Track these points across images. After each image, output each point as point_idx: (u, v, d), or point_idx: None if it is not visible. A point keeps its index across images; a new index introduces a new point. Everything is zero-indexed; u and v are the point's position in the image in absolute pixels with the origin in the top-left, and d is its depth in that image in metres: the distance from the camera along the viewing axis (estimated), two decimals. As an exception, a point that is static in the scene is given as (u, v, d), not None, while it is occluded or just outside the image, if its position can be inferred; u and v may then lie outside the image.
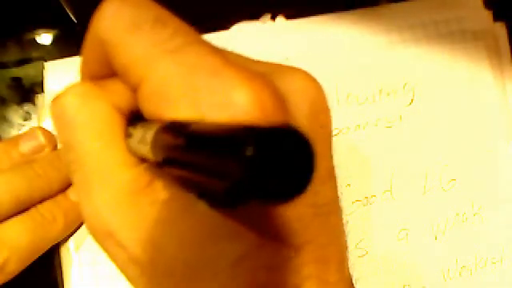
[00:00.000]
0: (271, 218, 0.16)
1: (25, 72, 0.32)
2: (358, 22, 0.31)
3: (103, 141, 0.18)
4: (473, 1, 0.32)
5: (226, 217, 0.16)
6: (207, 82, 0.15)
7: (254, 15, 0.31)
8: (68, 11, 0.32)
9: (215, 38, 0.33)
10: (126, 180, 0.18)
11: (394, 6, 0.32)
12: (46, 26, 0.32)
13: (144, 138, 0.16)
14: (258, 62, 0.17)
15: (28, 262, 0.26)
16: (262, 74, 0.16)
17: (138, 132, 0.18)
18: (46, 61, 0.30)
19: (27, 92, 0.31)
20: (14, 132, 0.31)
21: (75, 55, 0.30)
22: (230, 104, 0.15)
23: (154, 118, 0.17)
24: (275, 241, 0.16)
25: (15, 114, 0.31)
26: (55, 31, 0.32)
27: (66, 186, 0.28)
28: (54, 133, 0.29)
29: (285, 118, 0.16)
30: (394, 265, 0.29)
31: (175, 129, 0.14)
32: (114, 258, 0.18)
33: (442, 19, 0.32)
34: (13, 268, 0.25)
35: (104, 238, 0.18)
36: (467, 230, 0.30)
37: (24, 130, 0.31)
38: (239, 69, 0.16)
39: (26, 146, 0.28)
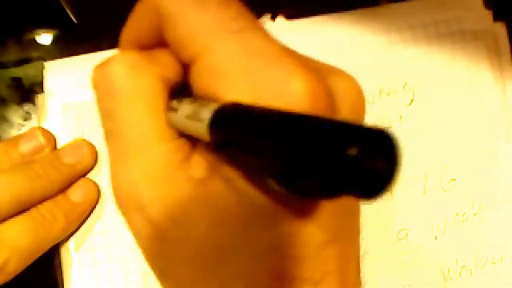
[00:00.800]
0: (304, 212, 0.16)
1: (25, 72, 0.32)
2: (358, 22, 0.31)
3: (146, 112, 0.18)
4: (473, 1, 0.32)
5: (264, 204, 0.16)
6: (267, 68, 0.16)
7: (254, 15, 0.31)
8: (68, 11, 0.32)
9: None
10: (164, 153, 0.18)
11: (393, 6, 0.32)
12: (46, 26, 0.32)
13: (196, 115, 0.16)
14: (309, 58, 0.18)
15: (28, 262, 0.26)
16: (316, 69, 0.16)
17: (185, 107, 0.17)
18: (45, 61, 0.30)
19: (27, 92, 0.31)
20: (14, 132, 0.31)
21: (75, 55, 0.30)
22: (286, 92, 0.15)
23: (205, 94, 0.17)
24: (304, 234, 0.16)
25: (15, 114, 0.31)
26: (55, 31, 0.32)
27: (67, 185, 0.28)
28: (54, 133, 0.29)
29: (332, 113, 0.16)
30: (393, 265, 0.29)
31: (246, 112, 0.14)
32: (137, 231, 0.18)
33: (442, 19, 0.32)
34: (13, 268, 0.25)
35: (132, 210, 0.18)
36: (467, 229, 0.30)
37: (24, 130, 0.31)
38: (297, 60, 0.16)
39: (25, 146, 0.28)
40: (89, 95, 0.30)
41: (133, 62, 0.18)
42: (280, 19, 0.31)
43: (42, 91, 0.30)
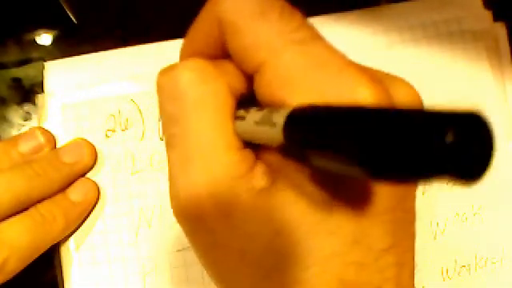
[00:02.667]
0: (368, 218, 0.17)
1: (25, 72, 0.32)
2: (358, 23, 0.31)
3: (214, 120, 0.18)
4: (473, 1, 0.32)
5: (331, 210, 0.16)
6: (333, 77, 0.16)
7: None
8: (68, 11, 0.32)
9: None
10: (229, 163, 0.18)
11: (393, 6, 0.32)
12: (46, 26, 0.32)
13: (267, 120, 0.16)
14: (366, 66, 0.18)
15: (28, 262, 0.26)
16: (377, 77, 0.17)
17: (253, 114, 0.18)
18: (45, 61, 0.30)
19: (27, 92, 0.31)
20: (14, 132, 0.31)
21: (75, 55, 0.30)
22: (352, 99, 0.16)
23: (271, 103, 0.17)
24: (367, 239, 0.17)
25: (15, 114, 0.32)
26: (55, 31, 0.32)
27: (66, 185, 0.28)
28: (54, 133, 0.29)
29: None
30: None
31: (327, 110, 0.14)
32: (196, 239, 0.19)
33: (442, 19, 0.32)
34: (13, 267, 0.25)
35: (192, 218, 0.18)
36: (467, 230, 0.30)
37: (24, 130, 0.31)
38: (360, 69, 0.17)
39: (25, 146, 0.28)
40: (89, 95, 0.30)
41: (202, 69, 0.18)
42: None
43: (42, 91, 0.30)
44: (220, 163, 0.18)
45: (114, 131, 0.30)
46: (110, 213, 0.29)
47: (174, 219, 0.29)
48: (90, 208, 0.28)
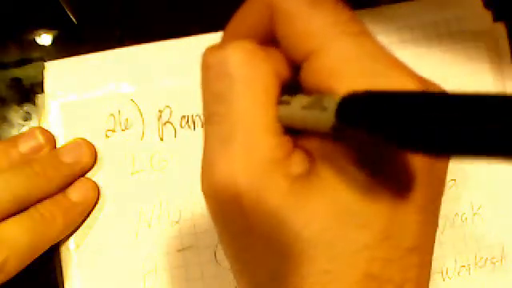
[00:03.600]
0: (399, 216, 0.17)
1: (25, 72, 0.32)
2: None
3: (259, 101, 0.18)
4: (473, 1, 0.32)
5: (360, 204, 0.17)
6: (384, 70, 0.17)
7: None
8: (68, 11, 0.32)
9: (215, 38, 0.33)
10: (269, 146, 0.18)
11: (393, 6, 0.32)
12: (46, 26, 0.32)
13: (317, 104, 0.17)
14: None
15: (27, 262, 0.26)
16: (423, 79, 0.18)
17: (300, 99, 0.18)
18: (45, 61, 0.30)
19: (27, 92, 0.31)
20: (13, 132, 0.31)
21: (75, 55, 0.30)
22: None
23: (319, 91, 0.18)
24: (396, 237, 0.17)
25: (15, 114, 0.32)
26: (55, 31, 0.32)
27: (66, 185, 0.28)
28: (54, 133, 0.29)
29: None
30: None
31: (388, 95, 0.14)
32: (225, 220, 0.18)
33: (442, 19, 0.32)
34: (12, 267, 0.25)
35: (224, 198, 0.18)
36: (467, 229, 0.30)
37: (24, 130, 0.31)
38: (407, 68, 0.17)
39: (25, 146, 0.28)
40: (89, 95, 0.30)
41: (252, 51, 0.18)
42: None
43: (42, 91, 0.30)
44: (260, 145, 0.18)
45: (113, 131, 0.30)
46: (110, 213, 0.29)
47: (173, 219, 0.29)
48: (90, 208, 0.28)
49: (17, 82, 0.32)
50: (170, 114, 0.30)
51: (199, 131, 0.30)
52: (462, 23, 0.32)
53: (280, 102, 0.19)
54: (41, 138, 0.28)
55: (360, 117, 0.15)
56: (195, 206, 0.29)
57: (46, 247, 0.27)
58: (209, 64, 0.19)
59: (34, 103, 0.31)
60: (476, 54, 0.32)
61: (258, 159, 0.17)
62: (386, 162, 0.17)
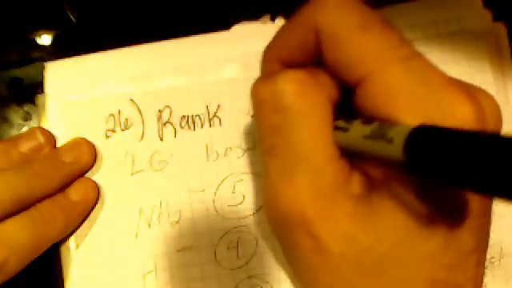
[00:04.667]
0: (460, 222, 0.18)
1: (25, 72, 0.32)
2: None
3: (318, 131, 0.19)
4: (473, 1, 0.32)
5: (427, 216, 0.17)
6: (436, 93, 0.17)
7: (254, 15, 0.31)
8: (68, 11, 0.32)
9: (215, 38, 0.33)
10: (330, 172, 0.19)
11: (393, 7, 0.32)
12: (46, 26, 0.32)
13: (380, 135, 0.17)
14: (458, 80, 0.19)
15: (28, 262, 0.26)
16: (469, 91, 0.18)
17: (358, 127, 0.18)
18: (46, 61, 0.30)
19: (27, 92, 0.31)
20: (14, 132, 0.31)
21: (75, 55, 0.30)
22: (454, 115, 0.17)
23: (373, 114, 0.18)
24: (457, 243, 0.18)
25: (15, 115, 0.32)
26: (55, 31, 0.32)
27: (66, 184, 0.28)
28: (54, 133, 0.29)
29: (484, 129, 0.18)
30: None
31: (452, 134, 0.15)
32: (296, 245, 0.19)
33: (442, 19, 0.32)
34: (12, 267, 0.25)
35: (293, 225, 0.19)
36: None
37: (24, 130, 0.31)
38: (458, 86, 0.18)
39: (25, 146, 0.28)
40: (89, 95, 0.30)
41: (304, 81, 0.19)
42: (280, 20, 0.31)
43: (42, 91, 0.30)
44: (322, 172, 0.18)
45: (113, 131, 0.30)
46: (110, 213, 0.29)
47: (173, 219, 0.29)
48: (90, 208, 0.28)
49: (17, 82, 0.32)
50: (170, 114, 0.30)
51: (199, 131, 0.30)
52: (461, 23, 0.32)
53: (336, 128, 0.19)
54: (41, 138, 0.28)
55: (428, 154, 0.15)
56: (195, 206, 0.29)
57: (46, 247, 0.27)
58: (263, 98, 0.19)
59: (33, 103, 0.31)
60: (476, 54, 0.32)
61: (322, 185, 0.18)
62: (445, 195, 0.18)
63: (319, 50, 0.19)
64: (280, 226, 0.20)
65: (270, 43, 0.21)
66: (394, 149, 0.16)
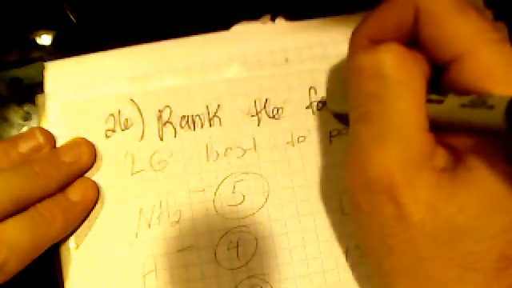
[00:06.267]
0: None
1: (25, 72, 0.32)
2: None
3: (413, 101, 0.20)
4: (473, 0, 0.32)
5: (505, 194, 0.19)
6: None
7: (254, 15, 0.31)
8: (68, 11, 0.32)
9: (215, 38, 0.33)
10: (420, 142, 0.20)
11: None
12: (46, 26, 0.32)
13: (480, 103, 0.18)
14: None
15: (27, 262, 0.26)
16: None
17: (453, 98, 0.20)
18: (45, 61, 0.30)
19: (27, 92, 0.31)
20: (14, 132, 0.31)
21: (75, 55, 0.30)
22: None
23: (469, 90, 0.20)
24: None
25: (15, 114, 0.32)
26: (55, 31, 0.32)
27: (65, 184, 0.28)
28: (54, 133, 0.29)
29: None
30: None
31: None
32: (375, 211, 0.20)
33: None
34: (12, 267, 0.25)
35: (378, 190, 0.20)
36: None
37: (24, 130, 0.31)
38: None
39: (25, 147, 0.28)
40: (88, 95, 0.30)
41: (404, 54, 0.20)
42: (280, 20, 0.31)
43: (42, 91, 0.30)
44: (413, 141, 0.20)
45: (113, 131, 0.30)
46: (110, 213, 0.29)
47: (173, 219, 0.29)
48: (90, 208, 0.28)
49: (17, 82, 0.32)
50: (170, 114, 0.30)
51: (199, 131, 0.30)
52: (462, 23, 0.32)
53: (429, 101, 0.20)
54: (41, 138, 0.28)
55: None
56: (195, 206, 0.29)
57: (46, 247, 0.27)
58: (363, 66, 0.21)
59: (33, 103, 0.31)
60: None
61: (411, 154, 0.20)
62: None
63: (414, 30, 0.21)
64: (363, 190, 0.21)
65: (363, 21, 0.23)
66: (496, 115, 0.17)
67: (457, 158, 0.20)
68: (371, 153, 0.20)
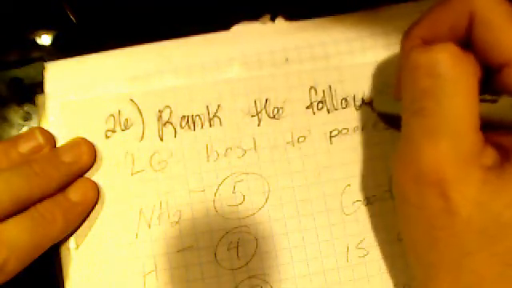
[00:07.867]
0: None
1: (25, 72, 0.32)
2: (358, 24, 0.31)
3: (466, 100, 0.21)
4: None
5: None
6: None
7: (254, 15, 0.31)
8: (68, 11, 0.32)
9: (215, 38, 0.33)
10: (471, 141, 0.21)
11: (393, 8, 0.32)
12: (46, 26, 0.32)
13: None
14: None
15: (28, 262, 0.26)
16: None
17: (506, 99, 0.21)
18: (45, 61, 0.30)
19: (27, 92, 0.31)
20: (14, 132, 0.31)
21: (75, 55, 0.30)
22: None
23: None
24: None
25: (15, 115, 0.32)
26: (55, 31, 0.32)
27: (66, 184, 0.28)
28: (54, 133, 0.29)
29: None
30: (394, 265, 0.29)
31: None
32: (424, 205, 0.21)
33: (442, 19, 0.32)
34: (12, 268, 0.25)
35: (428, 183, 0.21)
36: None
37: (24, 130, 0.31)
38: None
39: (25, 147, 0.28)
40: (89, 95, 0.30)
41: (458, 54, 0.21)
42: (279, 20, 0.31)
43: (42, 91, 0.30)
44: (465, 139, 0.21)
45: (113, 131, 0.30)
46: (110, 213, 0.29)
47: (173, 219, 0.29)
48: (90, 208, 0.28)
49: (17, 82, 0.32)
50: (170, 114, 0.30)
51: (199, 131, 0.30)
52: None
53: (482, 100, 0.21)
54: (40, 139, 0.28)
55: None
56: (195, 206, 0.29)
57: (46, 247, 0.27)
58: (418, 63, 0.21)
59: (33, 103, 0.31)
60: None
61: (462, 151, 0.20)
62: None
63: (467, 33, 0.22)
64: (413, 182, 0.21)
65: (416, 22, 0.24)
66: None
67: (505, 157, 0.21)
68: (424, 147, 0.21)
